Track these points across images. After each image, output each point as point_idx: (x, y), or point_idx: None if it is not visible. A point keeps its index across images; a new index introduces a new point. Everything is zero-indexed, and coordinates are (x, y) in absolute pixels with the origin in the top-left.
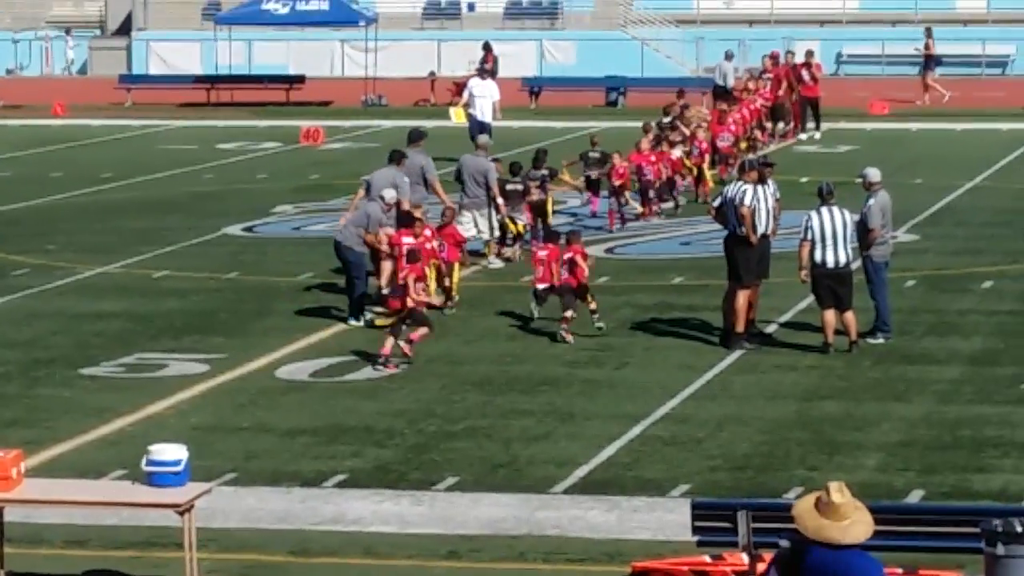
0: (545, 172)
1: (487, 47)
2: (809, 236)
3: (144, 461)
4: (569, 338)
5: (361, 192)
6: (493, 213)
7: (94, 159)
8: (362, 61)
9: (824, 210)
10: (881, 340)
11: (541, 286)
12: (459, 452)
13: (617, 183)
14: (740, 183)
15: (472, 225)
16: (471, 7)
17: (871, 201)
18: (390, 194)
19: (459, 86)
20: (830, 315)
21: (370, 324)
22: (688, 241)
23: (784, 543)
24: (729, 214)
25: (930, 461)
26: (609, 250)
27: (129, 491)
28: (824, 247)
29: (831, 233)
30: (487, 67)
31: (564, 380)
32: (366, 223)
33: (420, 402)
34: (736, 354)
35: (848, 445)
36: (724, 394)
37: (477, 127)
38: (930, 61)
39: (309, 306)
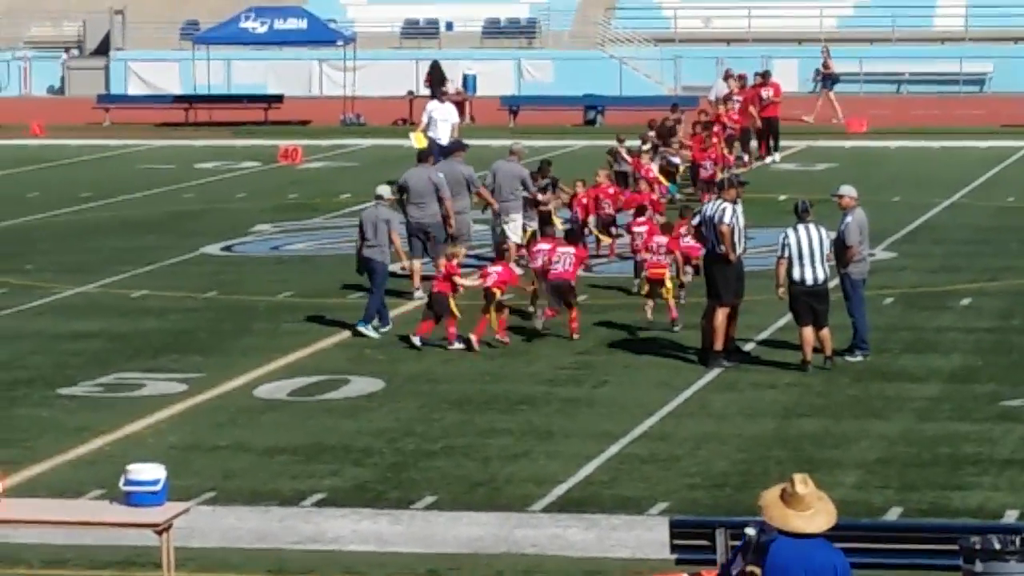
0: (548, 181)
1: (435, 68)
2: (786, 253)
3: (122, 481)
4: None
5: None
6: (521, 217)
7: (72, 179)
8: (340, 80)
9: (800, 227)
10: (859, 358)
11: (640, 256)
12: (438, 471)
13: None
14: (720, 201)
15: (519, 228)
16: (449, 26)
17: (848, 219)
18: (384, 189)
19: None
20: (808, 332)
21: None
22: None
23: (751, 531)
24: (708, 232)
25: (909, 478)
26: (586, 268)
27: (107, 511)
28: (801, 264)
29: (808, 250)
30: (442, 89)
31: (542, 398)
32: (387, 227)
33: (399, 421)
34: (714, 372)
35: (827, 462)
36: (702, 412)
37: (437, 151)
38: (827, 79)
39: (287, 325)
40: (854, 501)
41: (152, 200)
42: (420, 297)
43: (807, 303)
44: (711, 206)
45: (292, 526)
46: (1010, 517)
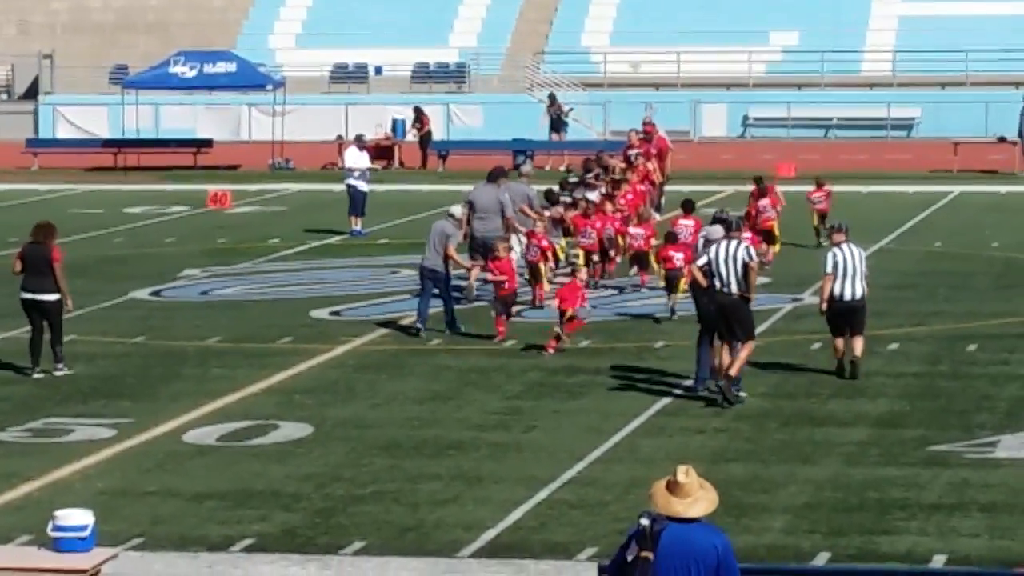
0: (569, 200)
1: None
2: (831, 270)
3: (50, 526)
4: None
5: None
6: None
7: (0, 223)
8: (269, 125)
9: (844, 247)
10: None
11: None
12: (366, 516)
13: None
14: (729, 240)
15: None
16: (378, 71)
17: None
18: (458, 210)
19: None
20: (840, 342)
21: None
22: (595, 304)
23: (645, 520)
24: (728, 271)
25: (836, 523)
26: (518, 313)
27: (35, 557)
28: (844, 281)
29: (851, 268)
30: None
31: (471, 444)
32: (446, 241)
33: (327, 466)
34: (643, 416)
35: (754, 507)
36: (631, 457)
37: (360, 196)
38: (558, 123)
39: (216, 370)
40: (782, 546)
41: (81, 245)
42: (474, 289)
43: (844, 317)
44: (723, 246)
45: (221, 572)
46: (938, 562)
